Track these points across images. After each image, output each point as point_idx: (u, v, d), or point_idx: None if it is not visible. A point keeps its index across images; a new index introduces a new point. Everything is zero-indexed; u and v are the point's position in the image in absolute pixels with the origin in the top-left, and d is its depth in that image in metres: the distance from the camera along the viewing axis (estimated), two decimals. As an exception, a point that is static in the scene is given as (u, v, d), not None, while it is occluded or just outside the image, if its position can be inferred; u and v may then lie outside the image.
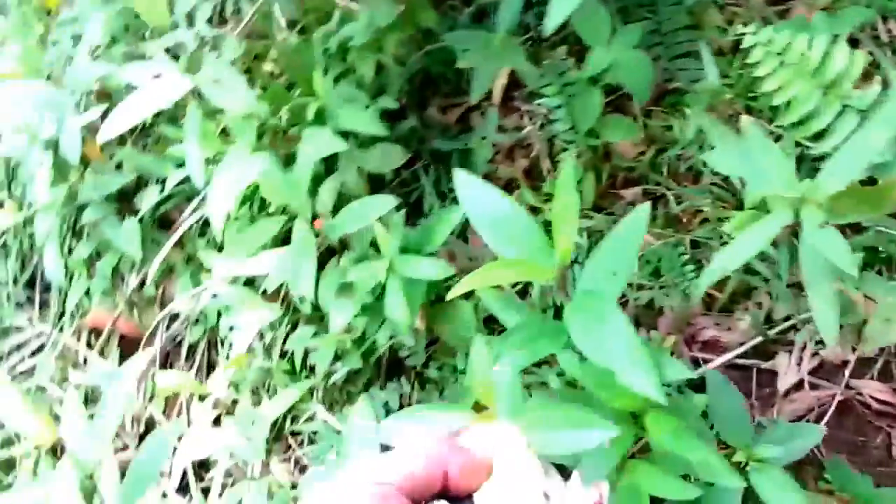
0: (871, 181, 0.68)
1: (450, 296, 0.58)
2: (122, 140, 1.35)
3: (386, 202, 0.79)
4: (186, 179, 1.08)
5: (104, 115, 1.02)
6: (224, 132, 1.07)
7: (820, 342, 0.99)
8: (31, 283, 1.43)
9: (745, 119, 0.67)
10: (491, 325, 1.04)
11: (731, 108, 1.13)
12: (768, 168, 0.65)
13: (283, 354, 1.15)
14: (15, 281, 1.43)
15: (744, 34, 0.79)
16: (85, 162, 1.12)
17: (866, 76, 0.80)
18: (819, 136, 0.79)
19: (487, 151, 1.15)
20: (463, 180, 0.67)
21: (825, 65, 0.75)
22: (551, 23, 0.73)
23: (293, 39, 1.27)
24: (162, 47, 1.05)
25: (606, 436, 0.56)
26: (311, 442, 1.11)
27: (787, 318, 1.02)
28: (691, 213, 1.12)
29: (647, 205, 0.68)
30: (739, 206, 1.08)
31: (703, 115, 0.71)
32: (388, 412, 1.02)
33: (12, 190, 1.27)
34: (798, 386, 1.00)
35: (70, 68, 1.12)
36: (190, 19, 1.36)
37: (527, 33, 1.23)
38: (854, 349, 0.97)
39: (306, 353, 1.08)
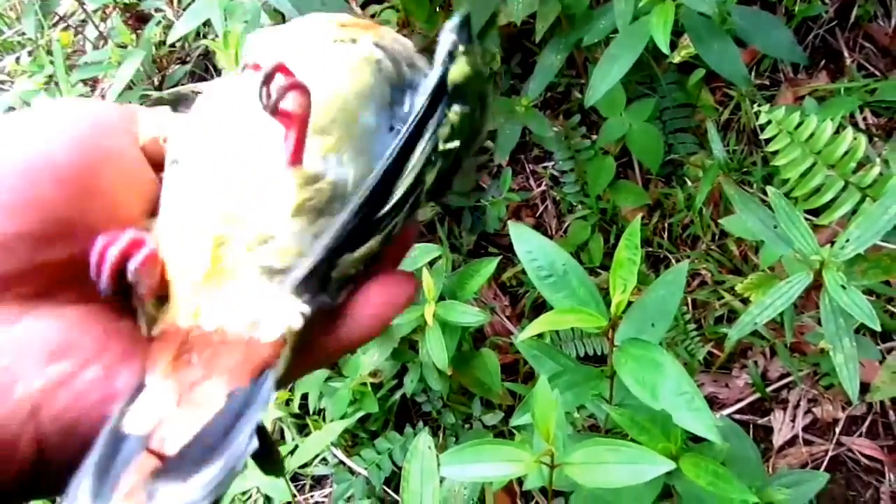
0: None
1: (521, 337, 0.62)
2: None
3: (432, 250, 0.84)
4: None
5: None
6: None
7: (813, 400, 1.06)
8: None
9: (772, 190, 0.74)
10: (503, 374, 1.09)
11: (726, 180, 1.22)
12: (793, 233, 0.72)
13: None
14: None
15: (758, 112, 0.88)
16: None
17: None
18: (824, 209, 0.88)
19: (501, 209, 1.21)
20: (519, 233, 0.72)
21: (833, 145, 0.84)
22: (594, 96, 0.80)
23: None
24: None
25: (662, 470, 0.60)
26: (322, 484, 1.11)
27: (781, 377, 1.09)
28: (690, 276, 1.20)
29: (686, 263, 0.74)
30: (735, 271, 1.16)
31: (729, 183, 0.79)
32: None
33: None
34: (792, 441, 1.06)
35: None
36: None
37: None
38: (844, 408, 1.04)
39: (320, 395, 1.09)
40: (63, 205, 0.23)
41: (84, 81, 1.49)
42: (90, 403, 0.23)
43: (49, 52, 1.44)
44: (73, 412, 0.22)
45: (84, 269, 0.24)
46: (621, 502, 0.75)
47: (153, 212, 0.27)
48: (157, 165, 0.27)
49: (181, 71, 1.50)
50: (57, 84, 1.37)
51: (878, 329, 0.64)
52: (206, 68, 1.52)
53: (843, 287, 0.68)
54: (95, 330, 0.24)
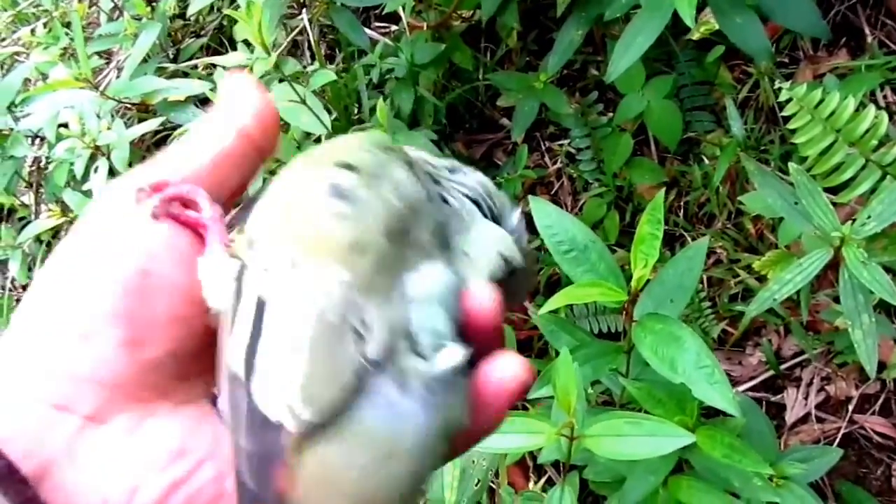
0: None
1: (542, 311, 0.63)
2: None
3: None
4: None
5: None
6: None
7: (826, 378, 1.07)
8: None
9: (794, 166, 0.74)
10: (517, 350, 1.09)
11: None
12: (813, 209, 0.72)
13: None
14: (26, 287, 1.42)
15: (778, 89, 0.88)
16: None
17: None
18: (842, 187, 0.88)
19: (516, 186, 1.21)
20: (539, 207, 0.73)
21: (854, 122, 0.84)
22: (616, 71, 0.80)
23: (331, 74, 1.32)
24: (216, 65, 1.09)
25: (682, 443, 0.61)
26: None
27: (795, 356, 1.09)
28: (706, 255, 1.20)
29: (706, 239, 0.75)
30: (751, 249, 1.16)
31: (749, 160, 0.79)
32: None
33: (40, 193, 1.28)
34: (805, 419, 1.07)
35: (118, 81, 1.15)
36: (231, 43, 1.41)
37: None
38: (857, 386, 1.05)
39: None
40: (145, 310, 0.25)
41: (99, 54, 1.49)
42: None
43: (65, 25, 1.44)
44: None
45: (187, 366, 0.26)
46: (636, 475, 0.76)
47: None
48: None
49: (196, 44, 1.50)
50: (73, 56, 1.37)
51: (897, 304, 0.65)
52: (220, 42, 1.51)
53: (864, 263, 0.68)
54: (207, 429, 0.25)
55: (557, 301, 0.64)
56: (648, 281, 0.74)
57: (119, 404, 0.24)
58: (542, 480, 1.03)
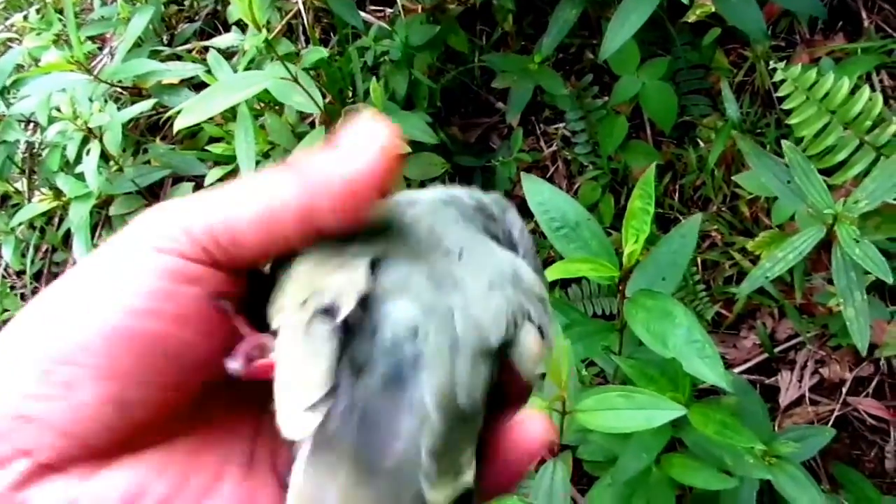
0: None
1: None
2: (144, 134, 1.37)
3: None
4: (223, 178, 1.10)
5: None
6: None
7: (820, 361, 1.07)
8: (37, 276, 1.43)
9: (787, 144, 0.74)
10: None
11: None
12: (807, 188, 0.72)
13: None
14: (20, 273, 1.42)
15: (773, 70, 0.87)
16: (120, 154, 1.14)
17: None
18: (836, 168, 0.88)
19: (511, 169, 1.21)
20: (531, 185, 0.72)
21: (848, 103, 0.83)
22: (609, 49, 0.80)
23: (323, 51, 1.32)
24: (210, 48, 1.08)
25: (673, 415, 0.61)
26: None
27: (789, 338, 1.10)
28: (700, 237, 1.20)
29: (698, 217, 0.74)
30: (746, 232, 1.16)
31: (744, 139, 0.78)
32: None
33: (33, 179, 1.28)
34: (799, 401, 1.07)
35: (112, 64, 1.14)
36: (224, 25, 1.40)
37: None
38: (851, 368, 1.05)
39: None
40: (140, 370, 0.23)
41: (93, 39, 1.48)
42: None
43: (58, 11, 1.43)
44: None
45: (163, 416, 0.24)
46: (628, 453, 0.76)
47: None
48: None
49: (190, 29, 1.49)
50: (67, 41, 1.36)
51: (890, 281, 0.65)
52: (214, 26, 1.51)
53: (856, 241, 0.68)
54: (172, 471, 0.24)
55: (549, 275, 0.64)
56: (640, 260, 0.74)
57: (84, 455, 0.23)
58: (537, 461, 1.03)
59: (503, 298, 0.26)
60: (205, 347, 0.25)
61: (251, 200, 0.24)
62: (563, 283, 1.18)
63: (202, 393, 0.25)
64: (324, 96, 1.22)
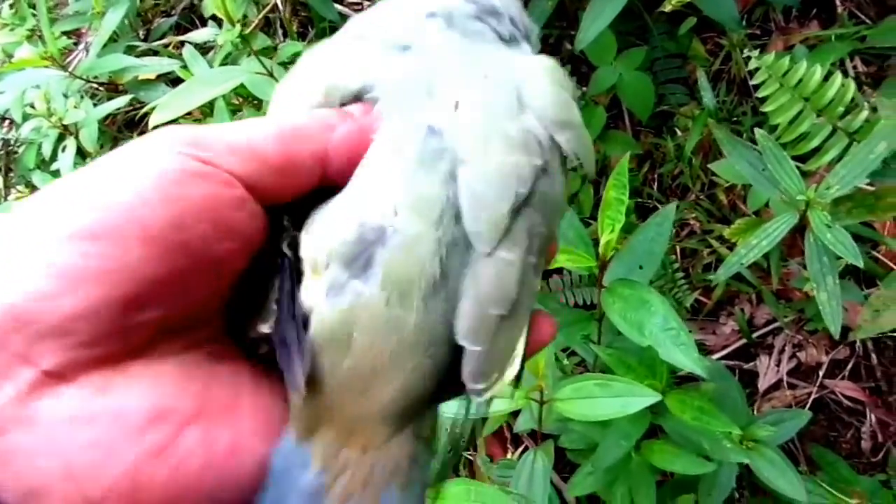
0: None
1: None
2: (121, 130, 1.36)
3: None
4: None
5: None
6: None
7: (797, 345, 1.09)
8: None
9: (760, 132, 0.75)
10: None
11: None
12: (780, 175, 0.73)
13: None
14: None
15: (748, 58, 0.88)
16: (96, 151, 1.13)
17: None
18: (811, 155, 0.89)
19: (491, 160, 1.21)
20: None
21: (821, 90, 0.84)
22: (585, 38, 0.80)
23: (300, 46, 1.31)
24: (187, 43, 1.07)
25: (649, 402, 0.62)
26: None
27: (767, 324, 1.11)
28: (679, 226, 1.21)
29: (673, 205, 0.75)
30: (724, 220, 1.17)
31: (719, 128, 0.79)
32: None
33: (9, 177, 1.26)
34: (777, 385, 1.08)
35: (87, 60, 1.13)
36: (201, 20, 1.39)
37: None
38: (828, 352, 1.07)
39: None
40: (154, 265, 0.21)
41: (68, 35, 1.47)
42: (192, 476, 0.21)
43: (31, 6, 1.41)
44: (174, 487, 0.20)
45: (181, 321, 0.22)
46: (609, 439, 0.77)
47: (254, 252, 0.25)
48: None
49: (166, 24, 1.48)
50: (41, 37, 1.34)
51: (861, 265, 0.66)
52: (191, 21, 1.49)
53: (828, 226, 0.69)
54: (195, 385, 0.22)
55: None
56: (618, 250, 0.74)
57: (93, 362, 0.20)
58: (520, 451, 1.04)
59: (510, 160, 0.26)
60: (223, 248, 0.23)
61: (270, 123, 0.25)
62: (545, 274, 1.19)
63: (219, 303, 0.24)
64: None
